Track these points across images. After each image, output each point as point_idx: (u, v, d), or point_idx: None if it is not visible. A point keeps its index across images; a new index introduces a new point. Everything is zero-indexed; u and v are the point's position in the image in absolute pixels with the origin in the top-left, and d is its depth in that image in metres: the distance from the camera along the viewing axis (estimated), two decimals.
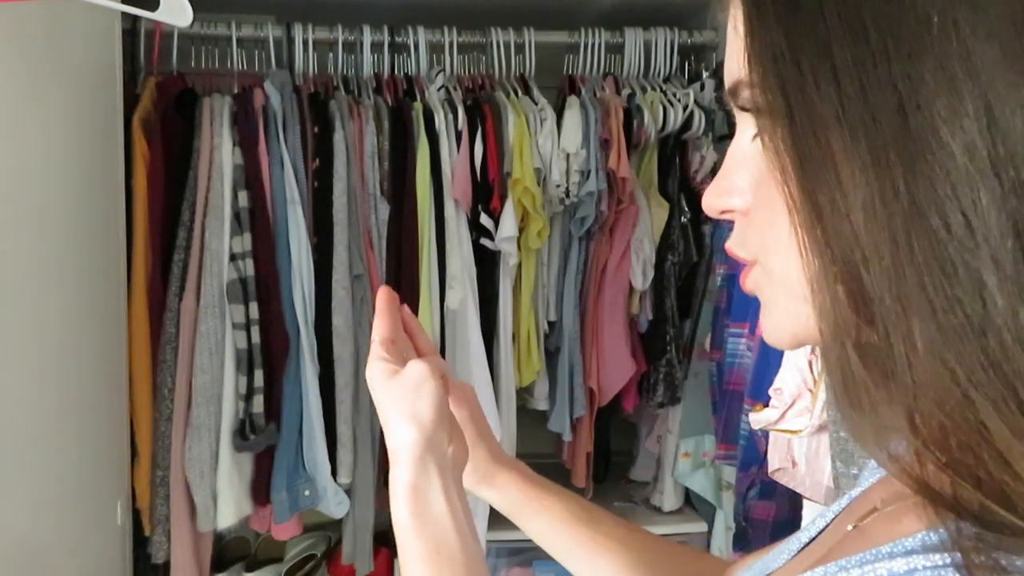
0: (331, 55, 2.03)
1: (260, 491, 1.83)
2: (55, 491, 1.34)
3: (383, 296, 0.76)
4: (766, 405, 1.57)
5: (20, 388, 1.20)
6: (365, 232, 1.90)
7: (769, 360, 1.59)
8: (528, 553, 2.11)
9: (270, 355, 1.80)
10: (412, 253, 1.90)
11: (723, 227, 1.93)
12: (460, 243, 1.93)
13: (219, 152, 1.81)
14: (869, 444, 0.41)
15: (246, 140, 1.82)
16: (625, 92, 2.09)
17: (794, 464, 1.56)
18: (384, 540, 2.12)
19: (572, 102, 2.02)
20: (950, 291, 0.35)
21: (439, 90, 2.00)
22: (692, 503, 2.26)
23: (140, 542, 1.81)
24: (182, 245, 1.80)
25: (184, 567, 1.79)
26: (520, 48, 2.08)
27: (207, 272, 1.78)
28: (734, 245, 0.47)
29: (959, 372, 0.36)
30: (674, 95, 2.08)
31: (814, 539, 0.59)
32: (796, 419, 1.53)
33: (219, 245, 1.78)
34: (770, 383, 1.56)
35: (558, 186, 1.97)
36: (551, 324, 2.09)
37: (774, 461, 1.59)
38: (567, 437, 2.09)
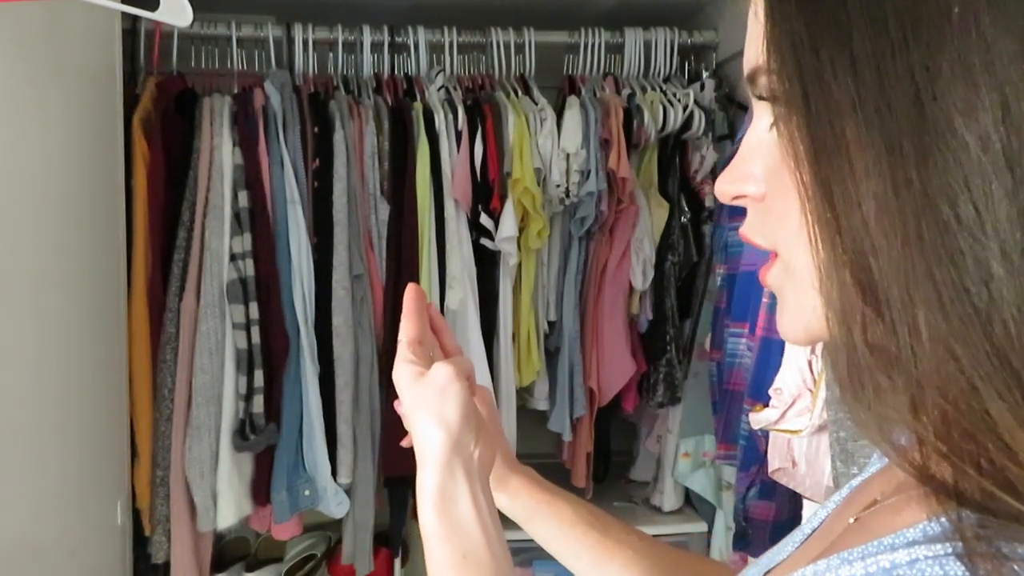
0: (331, 55, 2.03)
1: (260, 491, 1.83)
2: (55, 491, 1.34)
3: (411, 295, 0.73)
4: (766, 405, 1.57)
5: (20, 388, 1.20)
6: (365, 232, 1.90)
7: (769, 360, 1.59)
8: (528, 553, 2.11)
9: (270, 355, 1.80)
10: (412, 253, 1.90)
11: (723, 227, 1.93)
12: (460, 243, 1.93)
13: (219, 152, 1.81)
14: (872, 432, 0.41)
15: (246, 140, 1.82)
16: (625, 92, 2.09)
17: (794, 464, 1.56)
18: (384, 540, 2.12)
19: (572, 102, 2.02)
20: (958, 281, 0.36)
21: (439, 90, 2.00)
22: (692, 503, 2.26)
23: (140, 542, 1.81)
24: (182, 245, 1.80)
25: (184, 567, 1.79)
26: (520, 48, 2.08)
27: (207, 272, 1.78)
28: (748, 230, 0.47)
29: (964, 361, 0.36)
30: (674, 95, 2.08)
31: (815, 531, 0.59)
32: (796, 419, 1.53)
33: (219, 245, 1.78)
34: (770, 383, 1.56)
35: (558, 186, 1.97)
36: (551, 324, 2.09)
37: (774, 461, 1.59)
38: (567, 437, 2.09)
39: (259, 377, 1.78)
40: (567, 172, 1.97)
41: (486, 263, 1.98)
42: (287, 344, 1.81)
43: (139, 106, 1.79)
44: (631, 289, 2.06)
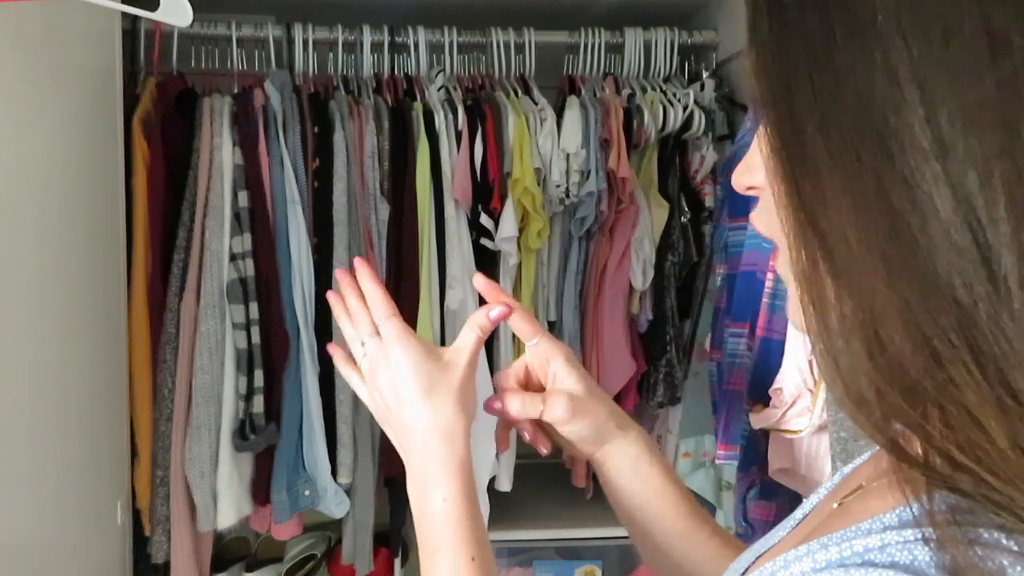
0: (331, 55, 2.03)
1: (260, 491, 1.83)
2: (55, 491, 1.34)
3: (363, 268, 0.79)
4: (766, 405, 1.57)
5: (20, 388, 1.20)
6: (365, 232, 1.90)
7: (769, 360, 1.59)
8: (528, 553, 2.11)
9: (270, 355, 1.80)
10: (412, 253, 1.90)
11: (723, 227, 1.93)
12: (460, 243, 1.93)
13: (219, 152, 1.81)
14: (847, 407, 0.43)
15: (246, 140, 1.82)
16: (625, 92, 2.09)
17: (794, 464, 1.56)
18: (384, 540, 2.12)
19: (572, 102, 2.02)
20: (909, 261, 0.39)
21: (439, 90, 2.00)
22: None
23: (140, 542, 1.81)
24: (182, 245, 1.80)
25: (184, 567, 1.79)
26: (520, 48, 2.08)
27: (207, 272, 1.78)
28: (755, 218, 0.50)
29: (927, 337, 0.39)
30: (674, 95, 2.08)
31: (805, 517, 0.60)
32: (796, 419, 1.53)
33: (219, 245, 1.78)
34: (770, 383, 1.56)
35: (558, 186, 1.97)
36: (551, 324, 2.08)
37: (774, 461, 1.59)
38: None
39: (259, 377, 1.78)
40: (567, 172, 1.97)
41: (486, 263, 1.97)
42: (287, 344, 1.81)
43: (139, 106, 1.79)
44: (631, 289, 2.06)
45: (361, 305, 0.77)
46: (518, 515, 1.98)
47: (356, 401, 1.88)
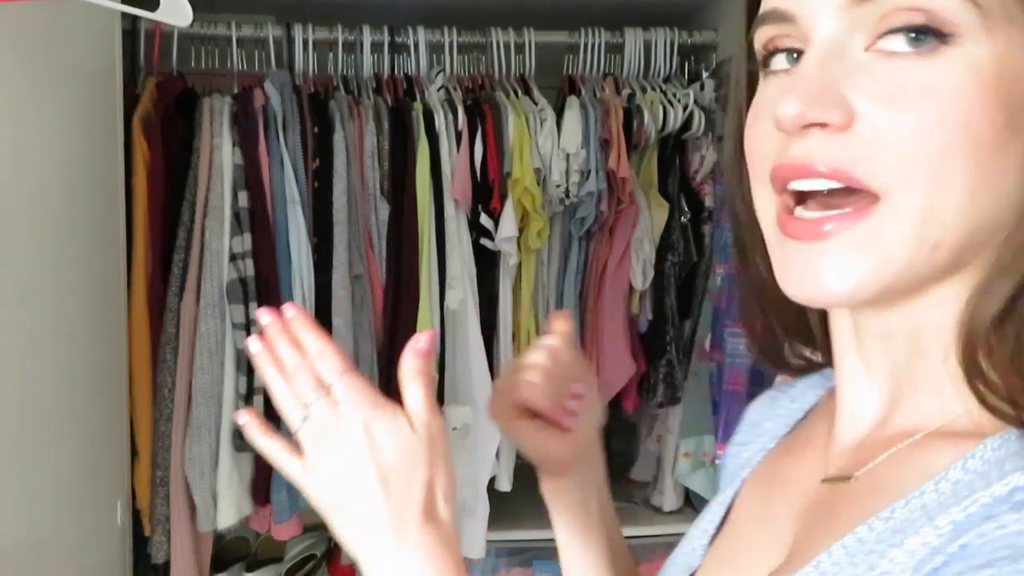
0: (331, 55, 2.03)
1: (260, 491, 1.83)
2: (55, 491, 1.34)
3: (300, 316, 0.62)
4: None
5: (20, 388, 1.20)
6: (365, 232, 1.90)
7: None
8: (528, 553, 2.11)
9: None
10: (412, 253, 1.90)
11: (723, 227, 1.93)
12: (460, 243, 1.93)
13: (219, 152, 1.81)
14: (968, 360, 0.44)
15: (246, 140, 1.82)
16: (625, 92, 2.09)
17: None
18: None
19: (572, 102, 2.02)
20: None
21: (439, 90, 2.00)
22: (692, 503, 2.26)
23: (140, 542, 1.81)
24: (182, 245, 1.80)
25: (184, 567, 1.79)
26: (520, 48, 2.08)
27: (207, 272, 1.78)
28: (831, 160, 0.45)
29: None
30: (674, 95, 2.08)
31: (723, 524, 0.61)
32: None
33: (219, 245, 1.78)
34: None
35: (558, 186, 1.97)
36: None
37: None
38: None
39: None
40: (567, 172, 1.97)
41: (486, 263, 1.97)
42: None
43: (139, 106, 1.79)
44: (631, 289, 2.06)
45: (301, 357, 0.60)
46: (518, 515, 1.98)
47: None
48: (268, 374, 0.62)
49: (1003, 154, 0.41)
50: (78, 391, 1.46)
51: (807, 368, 0.61)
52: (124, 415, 1.76)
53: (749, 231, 0.53)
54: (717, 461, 2.02)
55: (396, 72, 2.06)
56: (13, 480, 1.17)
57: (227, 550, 2.21)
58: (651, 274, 2.05)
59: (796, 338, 0.58)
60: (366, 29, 2.02)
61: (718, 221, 2.02)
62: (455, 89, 2.02)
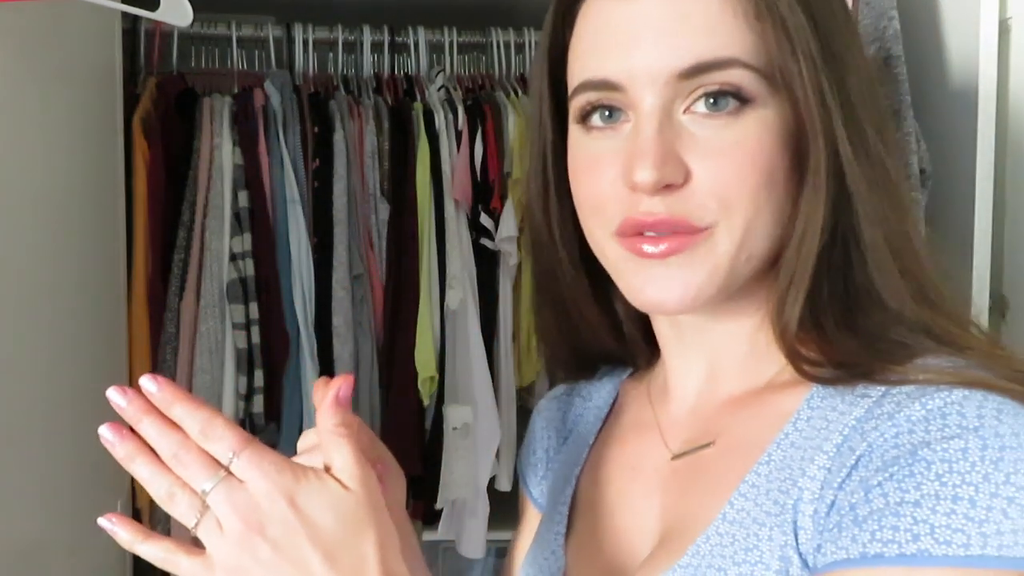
0: (331, 55, 2.03)
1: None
2: (55, 491, 1.34)
3: (167, 387, 0.50)
4: None
5: (19, 388, 1.20)
6: (365, 232, 1.90)
7: None
8: None
9: (270, 355, 1.80)
10: (412, 253, 1.90)
11: None
12: (460, 243, 1.93)
13: (219, 152, 1.81)
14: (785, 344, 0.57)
15: (246, 140, 1.82)
16: None
17: None
18: None
19: None
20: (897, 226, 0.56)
21: (439, 90, 2.00)
22: None
23: None
24: (182, 245, 1.80)
25: None
26: (520, 48, 2.08)
27: (207, 272, 1.78)
28: (677, 211, 0.56)
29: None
30: None
31: (571, 523, 0.66)
32: None
33: (219, 245, 1.78)
34: None
35: None
36: None
37: None
38: None
39: (259, 377, 1.78)
40: None
41: (486, 263, 1.97)
42: (287, 344, 1.81)
43: (139, 106, 1.79)
44: None
45: (181, 436, 0.49)
46: (518, 515, 1.98)
47: (356, 401, 1.87)
48: (138, 470, 0.49)
49: (792, 186, 0.54)
50: (78, 391, 1.46)
51: (593, 372, 0.73)
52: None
53: (555, 261, 0.64)
54: None
55: (396, 72, 2.06)
56: (13, 480, 1.17)
57: None
58: None
59: (600, 343, 0.68)
60: (366, 29, 2.02)
61: None
62: (455, 89, 2.02)
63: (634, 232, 0.54)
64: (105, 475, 1.65)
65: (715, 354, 0.61)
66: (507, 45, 2.06)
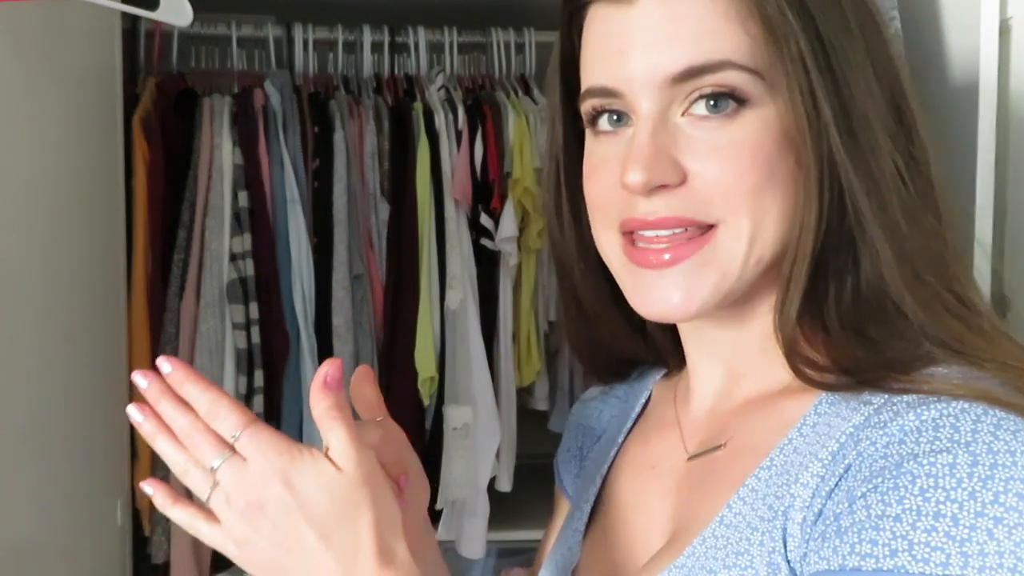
0: (331, 55, 2.03)
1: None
2: (55, 491, 1.34)
3: (180, 368, 0.56)
4: None
5: (19, 388, 1.20)
6: (365, 232, 1.90)
7: None
8: (528, 553, 2.10)
9: (270, 355, 1.80)
10: (412, 253, 1.90)
11: None
12: (460, 243, 1.93)
13: (219, 152, 1.80)
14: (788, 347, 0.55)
15: (246, 140, 1.82)
16: None
17: None
18: None
19: None
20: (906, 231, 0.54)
21: (439, 90, 2.00)
22: None
23: (140, 542, 1.81)
24: (182, 245, 1.80)
25: (184, 567, 1.78)
26: (520, 48, 2.08)
27: (207, 272, 1.77)
28: (679, 210, 0.56)
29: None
30: None
31: (593, 520, 0.66)
32: None
33: (219, 245, 1.78)
34: None
35: None
36: (551, 324, 2.08)
37: None
38: None
39: (259, 377, 1.78)
40: None
41: (486, 263, 1.97)
42: (287, 344, 1.81)
43: (139, 106, 1.79)
44: None
45: (192, 417, 0.54)
46: (518, 515, 1.98)
47: None
48: (159, 446, 0.55)
49: (796, 186, 0.53)
50: (78, 391, 1.46)
51: (624, 375, 0.73)
52: (124, 415, 1.75)
53: (574, 266, 0.66)
54: None
55: (396, 72, 2.06)
56: (13, 480, 1.17)
57: None
58: None
59: (624, 346, 0.69)
60: (366, 29, 2.01)
61: None
62: (455, 89, 2.02)
63: (629, 230, 0.55)
64: (105, 475, 1.65)
65: (732, 356, 0.61)
66: (507, 45, 2.06)
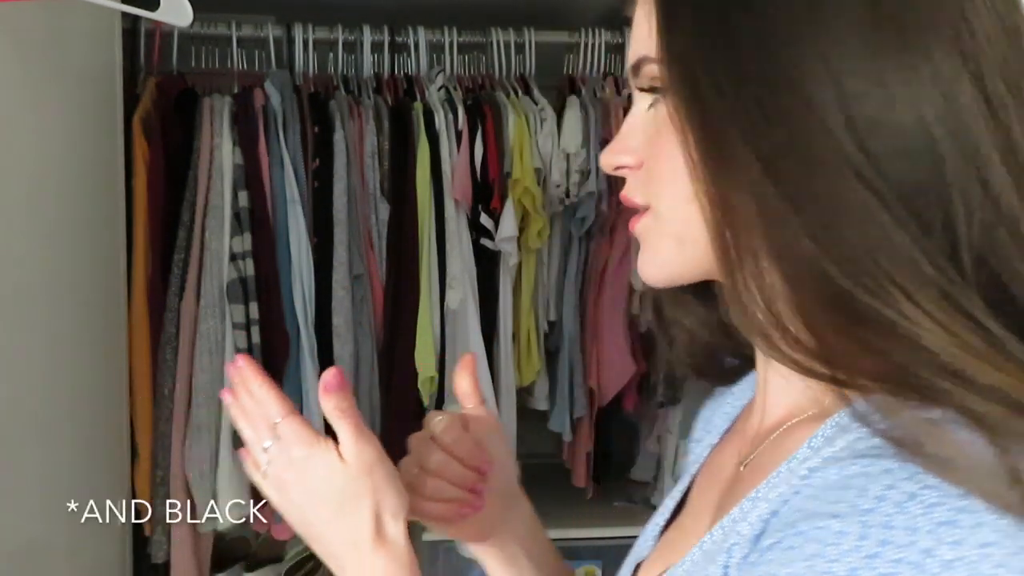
0: (331, 55, 2.03)
1: (260, 491, 1.82)
2: (55, 491, 1.34)
3: (247, 366, 0.66)
4: None
5: (20, 388, 1.20)
6: (365, 232, 1.90)
7: None
8: None
9: (270, 355, 1.80)
10: (412, 253, 1.90)
11: None
12: (460, 243, 1.93)
13: (219, 152, 1.81)
14: (754, 335, 0.49)
15: (246, 140, 1.82)
16: (625, 92, 2.09)
17: None
18: None
19: (572, 102, 2.02)
20: (794, 219, 0.45)
21: (439, 90, 2.00)
22: None
23: (140, 542, 1.81)
24: (182, 245, 1.80)
25: (184, 567, 1.79)
26: (520, 48, 2.08)
27: (207, 272, 1.78)
28: (630, 192, 0.56)
29: (831, 270, 0.45)
30: None
31: (676, 518, 0.66)
32: None
33: (219, 245, 1.78)
34: None
35: (558, 186, 1.97)
36: (551, 324, 2.08)
37: None
38: (567, 437, 2.09)
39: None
40: (567, 172, 1.97)
41: (486, 263, 1.97)
42: (287, 344, 1.81)
43: (139, 106, 1.79)
44: (631, 289, 2.06)
45: (255, 404, 0.65)
46: None
47: (356, 401, 1.87)
48: (236, 422, 0.67)
49: (710, 174, 0.49)
50: (78, 391, 1.46)
51: (728, 379, 0.70)
52: (124, 415, 1.76)
53: None
54: None
55: (396, 72, 2.06)
56: (14, 480, 1.17)
57: (227, 550, 2.21)
58: None
59: (714, 340, 0.66)
60: (366, 29, 2.02)
61: None
62: (455, 89, 2.02)
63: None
64: (106, 475, 1.65)
65: (771, 371, 0.57)
66: (507, 45, 2.06)
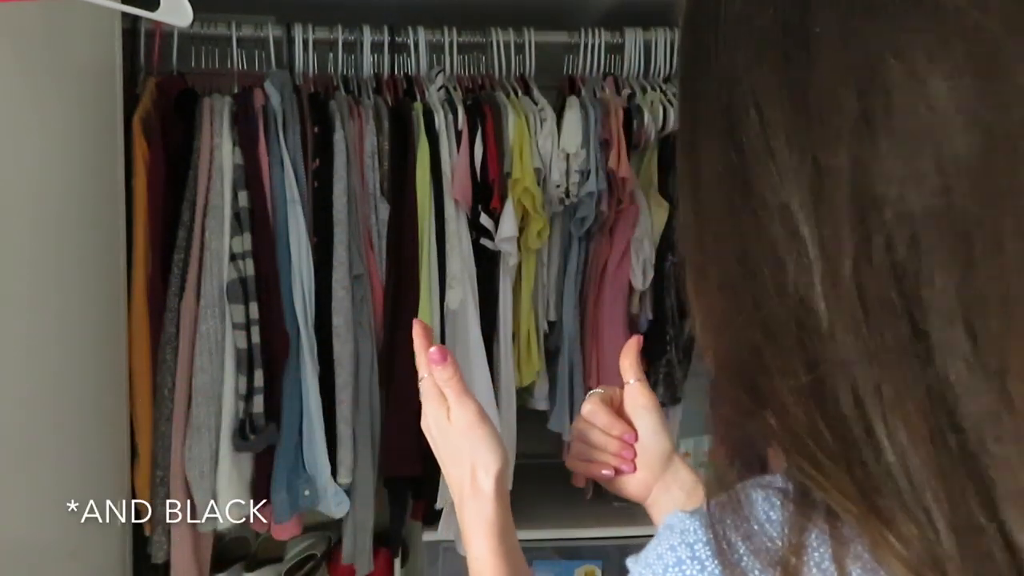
0: (331, 55, 2.03)
1: (260, 491, 1.83)
2: (55, 491, 1.34)
3: (417, 326, 0.87)
4: None
5: (19, 388, 1.20)
6: (365, 232, 1.90)
7: None
8: (528, 553, 2.10)
9: (270, 355, 1.80)
10: (412, 253, 1.90)
11: None
12: (460, 243, 1.93)
13: (219, 152, 1.81)
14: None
15: (246, 140, 1.82)
16: (625, 92, 2.09)
17: None
18: (384, 540, 2.12)
19: (572, 102, 2.02)
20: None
21: (439, 90, 2.00)
22: None
23: (140, 542, 1.81)
24: (182, 245, 1.80)
25: (184, 567, 1.79)
26: (520, 48, 2.08)
27: (207, 272, 1.78)
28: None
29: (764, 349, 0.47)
30: (674, 95, 2.08)
31: None
32: None
33: (219, 245, 1.78)
34: None
35: (558, 186, 1.97)
36: (551, 324, 2.08)
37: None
38: (567, 437, 2.08)
39: (259, 377, 1.78)
40: (567, 172, 1.97)
41: (486, 263, 1.98)
42: (287, 344, 1.81)
43: (139, 106, 1.79)
44: (631, 289, 2.06)
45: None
46: (518, 515, 1.97)
47: (356, 401, 1.88)
48: (418, 352, 0.87)
49: (700, 209, 0.50)
50: (78, 391, 1.46)
51: None
52: (124, 415, 1.76)
53: None
54: None
55: (396, 72, 2.06)
56: (13, 480, 1.17)
57: (227, 550, 2.21)
58: (651, 274, 2.05)
59: None
60: (366, 29, 2.02)
61: None
62: (455, 89, 2.02)
63: None
64: (105, 475, 1.65)
65: None
66: (507, 45, 2.06)
